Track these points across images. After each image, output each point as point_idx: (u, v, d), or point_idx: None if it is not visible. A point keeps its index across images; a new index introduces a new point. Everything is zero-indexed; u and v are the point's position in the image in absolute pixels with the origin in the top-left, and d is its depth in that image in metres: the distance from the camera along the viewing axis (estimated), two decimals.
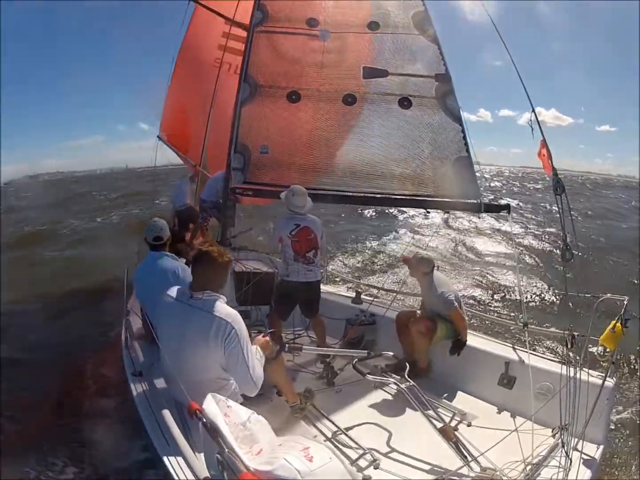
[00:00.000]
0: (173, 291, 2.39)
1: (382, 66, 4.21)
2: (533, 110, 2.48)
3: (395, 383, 2.72)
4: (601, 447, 2.53)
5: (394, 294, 4.72)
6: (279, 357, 2.75)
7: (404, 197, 4.05)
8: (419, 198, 4.00)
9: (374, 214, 18.30)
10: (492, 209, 3.95)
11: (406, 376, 2.69)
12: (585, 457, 2.35)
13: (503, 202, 4.01)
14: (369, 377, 2.85)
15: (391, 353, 3.23)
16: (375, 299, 4.48)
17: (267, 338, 2.64)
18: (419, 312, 3.81)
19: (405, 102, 4.11)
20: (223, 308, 2.22)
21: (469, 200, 3.88)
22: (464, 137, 3.96)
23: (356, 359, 3.00)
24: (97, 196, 25.71)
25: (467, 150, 3.94)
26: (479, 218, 4.35)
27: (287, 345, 2.95)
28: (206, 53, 7.00)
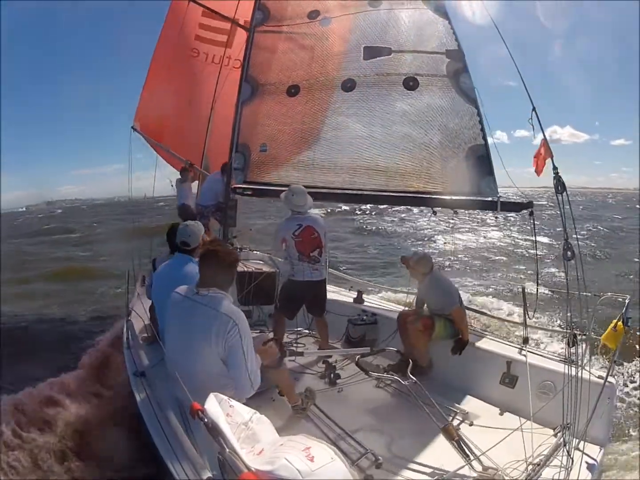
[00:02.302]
0: (181, 288, 2.40)
1: (384, 44, 3.80)
2: (534, 109, 2.46)
3: (398, 381, 2.72)
4: (603, 446, 2.53)
5: (395, 294, 4.72)
6: (280, 365, 2.76)
7: (409, 195, 3.70)
8: (425, 196, 3.61)
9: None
10: (512, 207, 3.35)
11: (409, 373, 2.69)
12: (587, 456, 2.35)
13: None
14: (373, 374, 2.85)
15: (394, 349, 3.22)
16: (377, 299, 4.49)
17: (267, 346, 2.63)
18: (425, 309, 3.81)
19: (411, 83, 3.65)
20: (228, 306, 2.23)
21: (483, 198, 3.39)
22: (480, 122, 3.39)
23: (359, 356, 2.99)
24: None
25: (484, 137, 3.37)
26: (496, 218, 3.75)
27: (288, 351, 2.94)
28: (183, 43, 6.98)
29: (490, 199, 3.34)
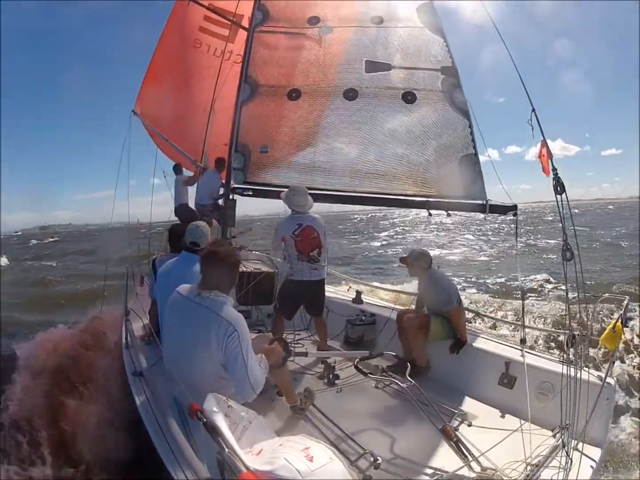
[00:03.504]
0: (182, 288, 2.39)
1: (385, 60, 4.09)
2: (533, 110, 2.46)
3: (397, 383, 2.72)
4: (602, 447, 2.53)
5: (395, 294, 4.72)
6: (284, 365, 2.76)
7: (406, 198, 3.94)
8: (421, 199, 3.88)
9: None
10: (499, 210, 3.74)
11: (407, 376, 2.69)
12: (586, 457, 2.34)
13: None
14: (371, 376, 2.84)
15: (393, 353, 3.23)
16: (375, 299, 4.49)
17: (273, 346, 2.64)
18: (424, 310, 3.83)
19: (409, 97, 3.96)
20: (228, 309, 2.22)
21: (473, 201, 3.73)
22: (472, 133, 3.79)
23: (358, 359, 2.99)
24: None
25: (474, 147, 3.78)
26: (486, 219, 4.19)
27: (293, 352, 2.94)
28: (187, 33, 7.05)
29: (480, 202, 3.68)
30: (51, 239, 50.16)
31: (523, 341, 3.41)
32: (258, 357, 2.36)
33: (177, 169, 7.30)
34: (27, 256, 27.00)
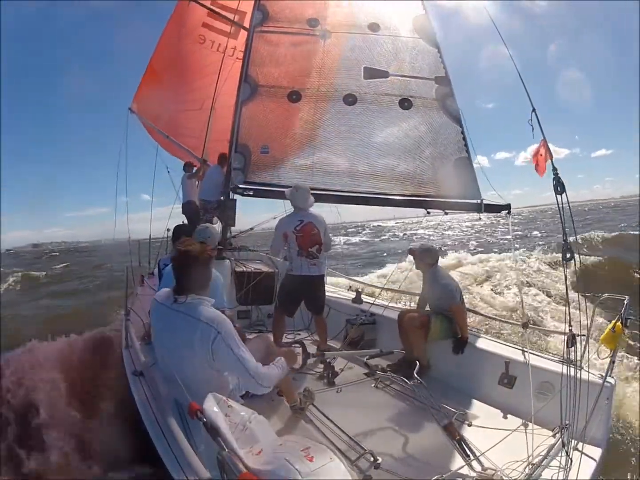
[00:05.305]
0: (160, 294, 2.33)
1: (382, 67, 4.26)
2: (534, 110, 2.46)
3: (399, 381, 2.72)
4: (602, 446, 2.52)
5: (394, 294, 4.73)
6: (304, 367, 2.78)
7: (404, 198, 4.06)
8: (418, 198, 4.02)
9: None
10: (493, 209, 3.96)
11: (415, 374, 2.68)
12: (586, 456, 2.34)
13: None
14: (380, 374, 2.85)
15: (403, 351, 3.23)
16: (375, 299, 4.49)
17: (289, 349, 2.67)
18: (427, 308, 3.85)
19: (405, 103, 4.17)
20: (207, 312, 2.15)
21: (469, 201, 3.91)
22: (464, 138, 4.02)
23: (368, 356, 3.00)
24: None
25: (467, 151, 4.00)
26: (479, 219, 4.43)
27: (312, 354, 2.96)
28: (190, 28, 7.08)
29: (475, 201, 3.88)
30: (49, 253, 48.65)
31: (525, 325, 3.39)
32: (277, 359, 2.35)
33: (187, 167, 7.25)
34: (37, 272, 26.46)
